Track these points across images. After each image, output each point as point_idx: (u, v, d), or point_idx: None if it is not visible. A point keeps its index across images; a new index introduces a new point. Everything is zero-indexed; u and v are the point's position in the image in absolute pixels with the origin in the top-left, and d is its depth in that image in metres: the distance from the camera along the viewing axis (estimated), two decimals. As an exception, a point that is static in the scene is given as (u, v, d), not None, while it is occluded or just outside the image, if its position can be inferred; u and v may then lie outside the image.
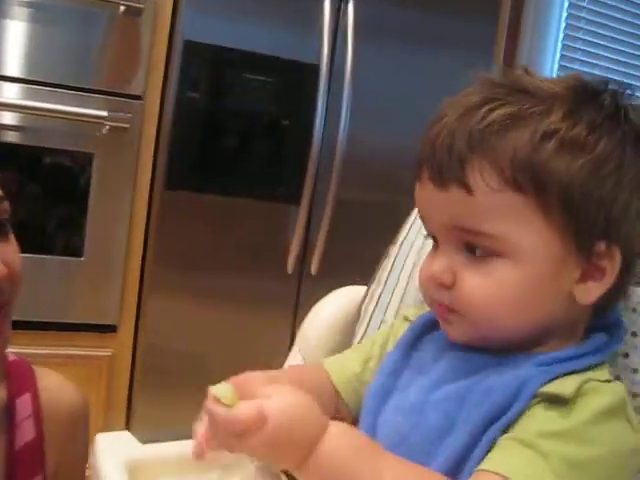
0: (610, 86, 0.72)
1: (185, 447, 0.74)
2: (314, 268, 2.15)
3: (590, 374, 0.68)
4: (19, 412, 0.96)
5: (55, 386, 1.01)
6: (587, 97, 0.70)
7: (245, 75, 2.01)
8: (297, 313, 2.17)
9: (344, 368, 0.87)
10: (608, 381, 0.69)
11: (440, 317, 0.75)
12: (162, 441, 0.78)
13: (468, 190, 0.67)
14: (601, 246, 0.69)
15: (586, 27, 2.99)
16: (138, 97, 1.92)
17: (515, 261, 0.68)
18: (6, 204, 0.82)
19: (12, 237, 0.85)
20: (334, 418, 0.66)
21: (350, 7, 2.06)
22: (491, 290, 0.69)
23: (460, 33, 2.20)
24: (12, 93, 1.81)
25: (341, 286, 2.13)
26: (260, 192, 2.09)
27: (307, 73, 2.04)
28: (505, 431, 0.65)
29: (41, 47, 1.85)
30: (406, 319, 0.87)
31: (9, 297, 0.85)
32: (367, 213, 2.17)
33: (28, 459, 0.96)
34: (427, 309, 0.83)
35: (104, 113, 1.84)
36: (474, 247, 0.69)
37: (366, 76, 2.08)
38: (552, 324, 0.71)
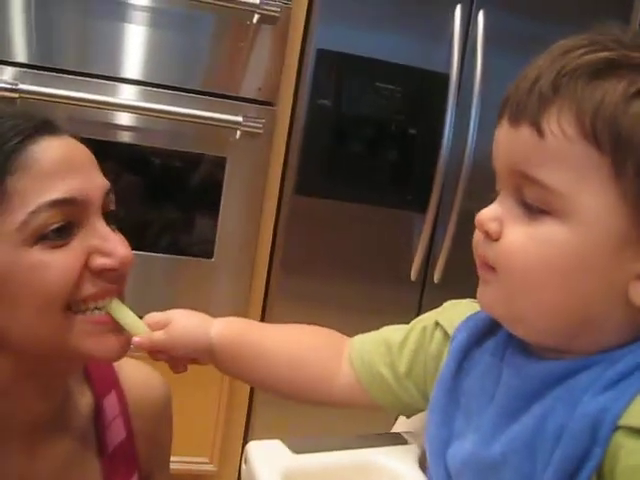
0: None
1: (339, 458, 0.76)
2: (437, 276, 2.14)
3: None
4: (108, 413, 0.93)
5: (140, 379, 0.97)
6: None
7: (375, 83, 2.03)
8: (419, 320, 2.15)
9: (370, 361, 0.82)
10: None
11: (480, 273, 0.66)
12: (313, 451, 0.76)
13: (539, 132, 0.59)
14: None
15: None
16: (270, 104, 1.96)
17: (567, 222, 0.59)
18: (112, 196, 0.82)
19: (117, 229, 0.82)
20: None
21: (480, 16, 2.06)
22: (532, 249, 0.60)
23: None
24: (156, 99, 1.88)
25: (463, 295, 2.12)
26: (387, 199, 2.10)
27: (436, 82, 2.05)
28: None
29: (183, 55, 1.92)
30: (438, 325, 0.78)
31: (117, 288, 0.82)
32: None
33: (123, 459, 0.93)
34: (458, 315, 0.75)
35: (239, 119, 1.89)
36: (529, 199, 0.61)
37: (495, 86, 2.06)
38: (597, 321, 0.61)
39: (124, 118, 1.89)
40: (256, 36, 1.92)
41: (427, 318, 0.81)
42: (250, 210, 2.00)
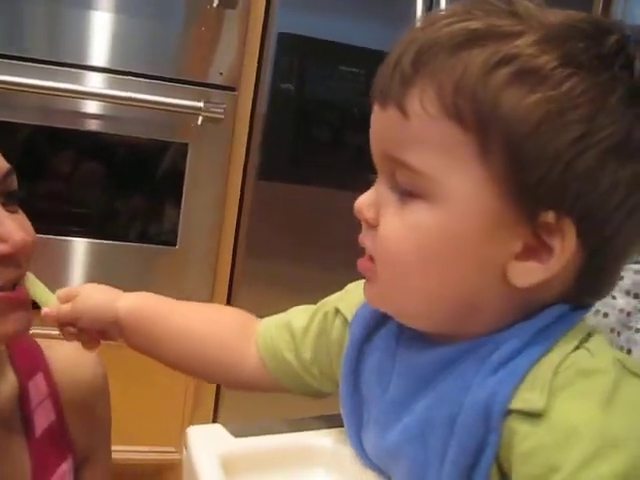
0: (627, 32, 0.56)
1: (280, 441, 0.75)
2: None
3: (556, 355, 0.56)
4: (34, 396, 0.90)
5: (70, 360, 0.94)
6: (584, 32, 0.56)
7: (338, 67, 2.01)
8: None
9: (275, 348, 0.80)
10: (582, 348, 0.57)
11: (361, 269, 0.64)
12: (254, 435, 0.75)
13: (403, 113, 0.56)
14: (548, 216, 0.54)
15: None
16: (232, 89, 1.94)
17: (435, 205, 0.56)
18: (14, 179, 0.80)
19: (20, 211, 0.81)
20: None
21: (442, -2, 2.05)
22: (405, 234, 0.58)
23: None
24: (120, 86, 1.85)
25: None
26: (351, 183, 2.08)
27: (399, 65, 2.03)
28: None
29: (137, 39, 1.88)
30: (338, 312, 0.77)
31: (24, 270, 0.80)
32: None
33: (53, 443, 0.90)
34: (358, 299, 0.73)
35: (200, 104, 1.87)
36: (400, 183, 0.58)
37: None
38: (477, 304, 0.59)
39: (89, 106, 1.86)
40: (217, 20, 1.89)
41: (330, 302, 0.80)
42: (214, 196, 1.98)
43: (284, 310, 2.22)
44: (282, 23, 1.95)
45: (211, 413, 2.09)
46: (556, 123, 0.53)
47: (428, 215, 0.57)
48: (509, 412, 0.55)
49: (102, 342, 0.87)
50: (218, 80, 1.92)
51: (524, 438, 0.54)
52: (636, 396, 0.55)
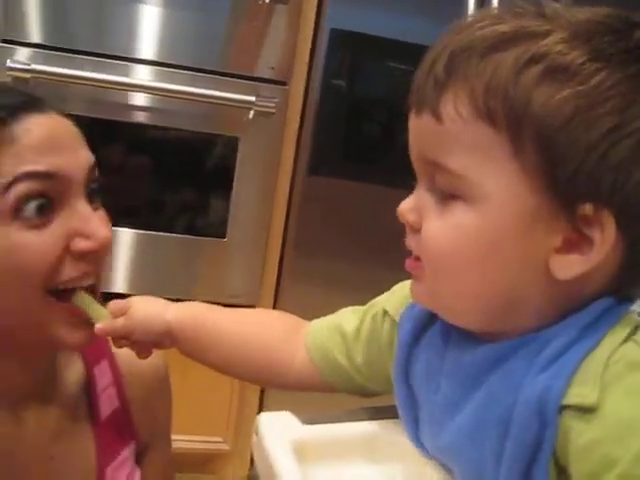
0: None
1: (348, 429, 0.76)
2: (451, 258, 2.13)
3: (605, 348, 0.56)
4: (99, 382, 0.93)
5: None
6: (612, 27, 0.56)
7: (389, 63, 2.01)
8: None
9: (326, 350, 0.81)
10: (630, 341, 0.57)
11: (408, 269, 0.65)
12: (322, 422, 0.76)
13: (437, 118, 0.58)
14: (586, 209, 0.55)
15: None
16: (283, 83, 1.95)
17: (475, 206, 0.57)
18: (97, 172, 0.80)
19: (100, 207, 0.81)
20: None
21: (495, -5, 2.04)
22: (447, 235, 0.59)
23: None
24: (170, 79, 1.87)
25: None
26: (401, 180, 2.08)
27: (451, 61, 2.03)
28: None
29: (196, 35, 1.91)
30: (386, 314, 0.77)
31: (96, 269, 0.81)
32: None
33: (116, 429, 0.92)
34: (405, 300, 0.74)
35: (252, 98, 1.88)
36: (440, 186, 0.59)
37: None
38: (522, 300, 0.59)
39: (138, 98, 1.89)
40: (269, 15, 1.90)
41: (379, 302, 0.81)
42: (263, 190, 2.00)
43: (330, 307, 2.22)
44: (334, 19, 1.95)
45: (257, 404, 2.11)
46: (587, 116, 0.54)
47: (468, 215, 0.58)
48: (563, 408, 0.55)
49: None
50: (269, 74, 1.94)
51: (579, 434, 0.54)
52: None
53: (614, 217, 0.55)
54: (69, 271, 0.77)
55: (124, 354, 0.92)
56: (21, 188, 0.72)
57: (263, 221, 2.02)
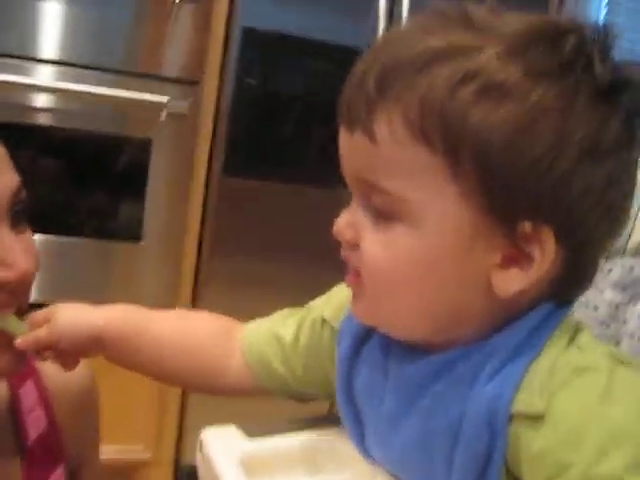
0: (585, 31, 0.56)
1: (294, 441, 0.75)
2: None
3: (549, 355, 0.57)
4: (25, 403, 0.87)
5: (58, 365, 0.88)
6: (542, 38, 0.55)
7: (302, 61, 2.01)
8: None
9: (263, 359, 0.79)
10: (573, 346, 0.58)
11: (348, 283, 0.64)
12: (268, 435, 0.75)
13: (372, 138, 0.56)
14: (525, 226, 0.55)
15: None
16: (196, 83, 1.92)
17: (414, 228, 0.57)
18: (24, 193, 0.75)
19: (27, 229, 0.77)
20: None
21: (405, -7, 2.06)
22: (386, 253, 0.58)
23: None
24: (76, 79, 1.82)
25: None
26: (316, 179, 2.09)
27: (363, 59, 2.04)
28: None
29: (104, 34, 1.87)
30: (325, 322, 0.76)
31: (17, 300, 0.76)
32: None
33: (45, 451, 0.87)
34: (343, 306, 0.73)
35: (164, 99, 1.85)
36: (376, 205, 0.58)
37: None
38: (465, 314, 0.60)
39: (47, 100, 1.83)
40: (179, 14, 1.87)
41: (316, 308, 0.79)
42: (178, 192, 1.97)
43: (250, 308, 2.20)
44: (246, 17, 1.94)
45: (177, 410, 2.08)
46: (527, 135, 0.53)
47: (407, 235, 0.57)
48: (511, 416, 0.55)
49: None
50: (181, 74, 1.91)
51: (530, 442, 0.55)
52: (632, 384, 0.56)
53: (553, 232, 0.55)
54: None
55: (49, 369, 0.88)
56: None
57: (179, 223, 1.99)
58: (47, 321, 0.80)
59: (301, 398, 0.82)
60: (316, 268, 2.14)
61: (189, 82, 1.92)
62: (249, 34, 1.95)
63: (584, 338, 0.59)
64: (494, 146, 0.53)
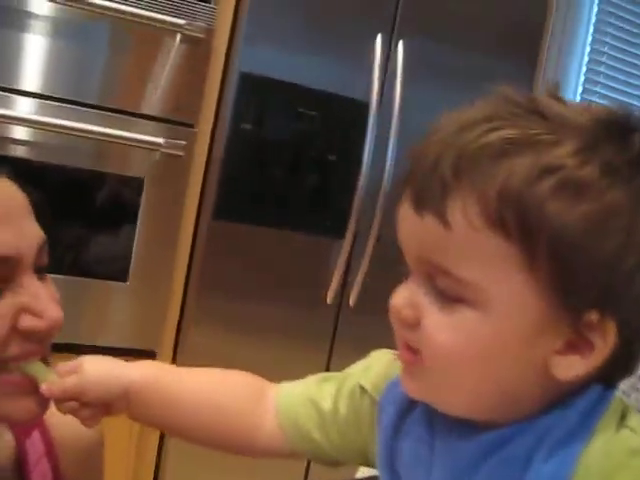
0: None
1: None
2: (352, 300, 2.16)
3: (602, 438, 0.57)
4: (31, 455, 0.86)
5: (68, 417, 0.84)
6: (612, 133, 0.57)
7: (296, 108, 2.03)
8: (334, 343, 2.19)
9: (301, 427, 0.79)
10: (624, 428, 0.58)
11: (402, 360, 0.64)
12: None
13: (445, 224, 0.57)
14: (592, 316, 0.56)
15: (610, 52, 3.01)
16: (191, 125, 1.93)
17: (482, 312, 0.57)
18: (46, 248, 0.76)
19: (47, 277, 0.77)
20: None
21: (400, 46, 2.09)
22: (452, 334, 0.58)
23: (502, 71, 2.22)
24: (66, 115, 1.81)
25: (377, 319, 2.14)
26: (305, 225, 2.10)
27: (357, 110, 2.07)
28: None
29: (99, 72, 1.87)
30: (364, 391, 0.76)
31: (42, 347, 0.76)
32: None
33: None
34: (383, 376, 0.74)
35: (160, 140, 1.85)
36: (442, 288, 0.59)
37: (414, 115, 2.10)
38: (520, 396, 0.60)
39: (47, 136, 1.81)
40: (179, 56, 1.89)
41: (353, 376, 0.79)
42: (167, 233, 1.96)
43: (234, 350, 2.19)
44: (244, 62, 1.95)
45: (154, 454, 2.05)
46: (601, 233, 0.55)
47: (476, 321, 0.58)
48: None
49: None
50: (177, 116, 1.91)
51: None
52: None
53: (616, 322, 0.56)
54: (15, 349, 0.72)
55: (56, 420, 0.86)
56: None
57: (166, 264, 1.98)
58: (73, 372, 0.79)
59: (333, 463, 0.82)
60: (303, 313, 2.15)
61: (184, 124, 1.92)
62: (246, 79, 1.96)
63: (634, 419, 0.60)
64: (568, 240, 0.54)
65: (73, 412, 0.79)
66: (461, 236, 0.56)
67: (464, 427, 0.63)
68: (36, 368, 0.75)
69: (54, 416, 0.85)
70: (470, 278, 0.57)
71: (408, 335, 0.61)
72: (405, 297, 0.61)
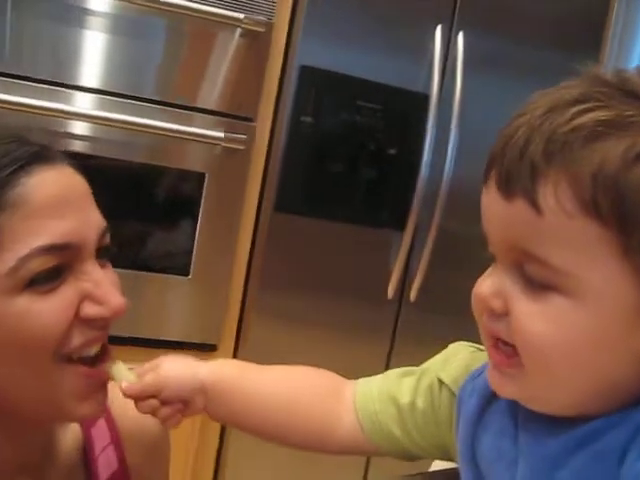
0: None
1: None
2: (413, 295, 2.14)
3: None
4: (97, 444, 0.87)
5: (133, 406, 0.83)
6: None
7: (356, 101, 2.02)
8: (394, 339, 2.18)
9: (380, 422, 0.78)
10: None
11: (494, 363, 0.62)
12: None
13: (536, 209, 0.55)
14: None
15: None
16: (250, 119, 1.93)
17: (577, 302, 0.55)
18: (108, 234, 0.77)
19: (109, 264, 0.77)
20: None
21: (460, 37, 2.06)
22: (547, 328, 0.56)
23: (566, 64, 2.18)
24: (138, 112, 1.83)
25: (439, 313, 2.12)
26: (365, 218, 2.09)
27: (416, 102, 2.05)
28: None
29: (165, 69, 1.89)
30: (443, 385, 0.75)
31: (103, 334, 0.76)
32: (469, 244, 2.15)
33: None
34: (462, 369, 0.73)
35: (220, 134, 1.86)
36: (532, 275, 0.57)
37: (475, 107, 2.07)
38: (616, 386, 0.58)
39: (107, 131, 1.82)
40: (238, 51, 1.89)
41: (432, 369, 0.78)
42: (228, 227, 1.97)
43: (294, 344, 2.19)
44: (303, 56, 1.95)
45: (215, 450, 2.07)
46: None
47: (570, 310, 0.56)
48: None
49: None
50: (237, 111, 1.92)
51: None
52: None
53: None
54: (78, 337, 0.72)
55: (122, 411, 0.87)
56: (35, 263, 0.68)
57: (228, 258, 1.99)
58: (152, 370, 0.80)
59: (411, 457, 0.81)
60: (363, 308, 2.14)
61: (244, 118, 1.93)
62: (305, 72, 1.96)
63: None
64: None
65: (153, 411, 0.80)
66: (553, 221, 0.54)
67: (552, 420, 0.61)
68: (119, 370, 0.77)
69: (119, 408, 0.86)
70: (562, 265, 0.55)
71: (495, 327, 0.60)
72: (491, 286, 0.59)
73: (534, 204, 0.55)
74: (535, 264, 0.56)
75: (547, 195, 0.54)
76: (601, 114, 0.54)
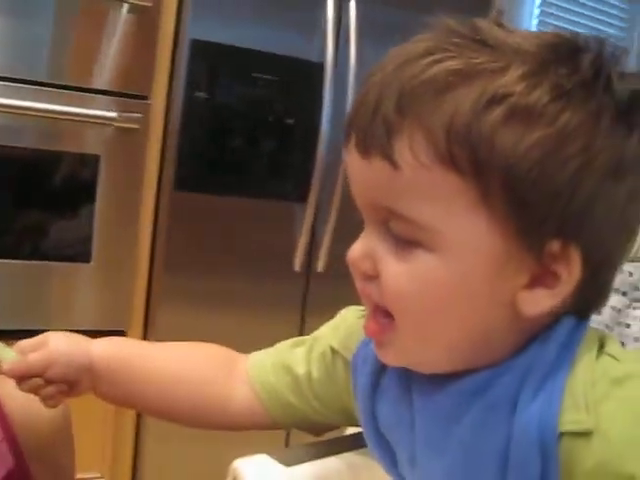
0: (596, 46, 0.56)
1: (332, 466, 0.74)
2: (321, 266, 2.13)
3: (583, 367, 0.56)
4: None
5: (24, 396, 0.78)
6: (560, 56, 0.55)
7: (251, 74, 1.99)
8: (305, 310, 2.17)
9: (277, 392, 0.78)
10: (604, 355, 0.57)
11: (369, 334, 0.62)
12: (303, 461, 0.73)
13: (393, 164, 0.54)
14: (554, 246, 0.54)
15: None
16: (144, 97, 1.88)
17: (439, 254, 0.55)
18: None
19: None
20: None
21: (352, 5, 2.05)
22: (416, 287, 0.56)
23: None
24: (14, 94, 1.74)
25: (347, 283, 2.13)
26: (267, 191, 2.07)
27: (312, 72, 2.03)
28: None
29: (46, 48, 1.81)
30: (336, 352, 0.75)
31: None
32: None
33: None
34: (353, 335, 0.72)
35: (113, 114, 1.80)
36: (397, 233, 0.57)
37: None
38: (493, 337, 0.58)
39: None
40: (127, 27, 1.83)
41: (323, 338, 0.78)
42: (128, 209, 1.92)
43: (204, 325, 2.16)
44: (193, 30, 1.91)
45: (132, 433, 2.02)
46: (555, 159, 0.53)
47: (434, 264, 0.56)
48: (560, 435, 0.54)
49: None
50: (129, 89, 1.86)
51: (584, 458, 0.54)
52: None
53: (579, 251, 0.55)
54: None
55: (15, 403, 0.83)
56: None
57: (129, 241, 1.93)
58: (35, 349, 0.76)
59: (315, 430, 0.80)
60: (272, 281, 2.12)
61: (138, 96, 1.87)
62: (197, 46, 1.91)
63: (613, 347, 0.59)
64: (523, 172, 0.52)
65: (35, 390, 0.76)
66: (411, 176, 0.54)
67: (440, 379, 0.61)
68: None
69: (11, 399, 0.83)
70: (423, 219, 0.55)
71: (369, 290, 0.59)
72: (362, 249, 0.59)
73: (391, 160, 0.55)
74: (399, 221, 0.56)
75: (403, 150, 0.54)
76: (451, 64, 0.54)
